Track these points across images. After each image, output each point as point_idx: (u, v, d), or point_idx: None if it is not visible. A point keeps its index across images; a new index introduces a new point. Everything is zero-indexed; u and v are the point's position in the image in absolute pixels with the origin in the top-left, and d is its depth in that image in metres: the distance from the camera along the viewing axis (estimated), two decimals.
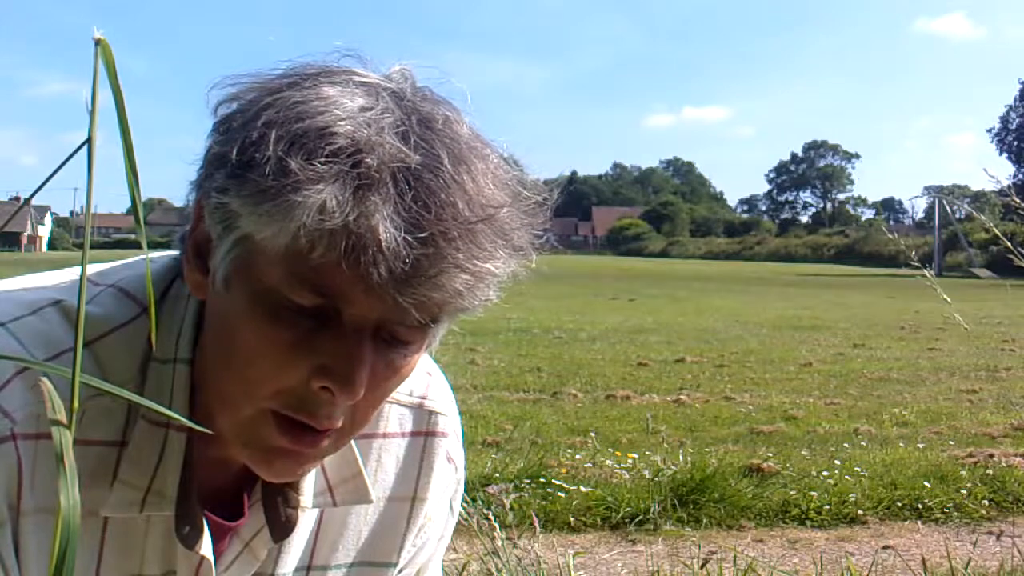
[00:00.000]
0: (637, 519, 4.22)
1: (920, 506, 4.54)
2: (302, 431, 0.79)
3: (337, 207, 0.69)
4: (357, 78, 0.77)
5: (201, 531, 0.86)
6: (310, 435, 0.79)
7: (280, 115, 0.73)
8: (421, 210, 0.71)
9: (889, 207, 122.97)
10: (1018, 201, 2.27)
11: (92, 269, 0.91)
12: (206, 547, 0.87)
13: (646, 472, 4.74)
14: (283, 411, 0.78)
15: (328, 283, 0.73)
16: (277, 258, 0.73)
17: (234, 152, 0.73)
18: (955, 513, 4.50)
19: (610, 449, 5.37)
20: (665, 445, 5.54)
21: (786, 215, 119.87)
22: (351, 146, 0.71)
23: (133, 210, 0.43)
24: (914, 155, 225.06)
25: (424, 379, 1.03)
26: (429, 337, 0.81)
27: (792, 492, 4.57)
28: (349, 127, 0.72)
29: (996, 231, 2.43)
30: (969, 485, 4.75)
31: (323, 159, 0.70)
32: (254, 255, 0.75)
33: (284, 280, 0.74)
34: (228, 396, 0.81)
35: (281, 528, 0.92)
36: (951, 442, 5.93)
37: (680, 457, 4.94)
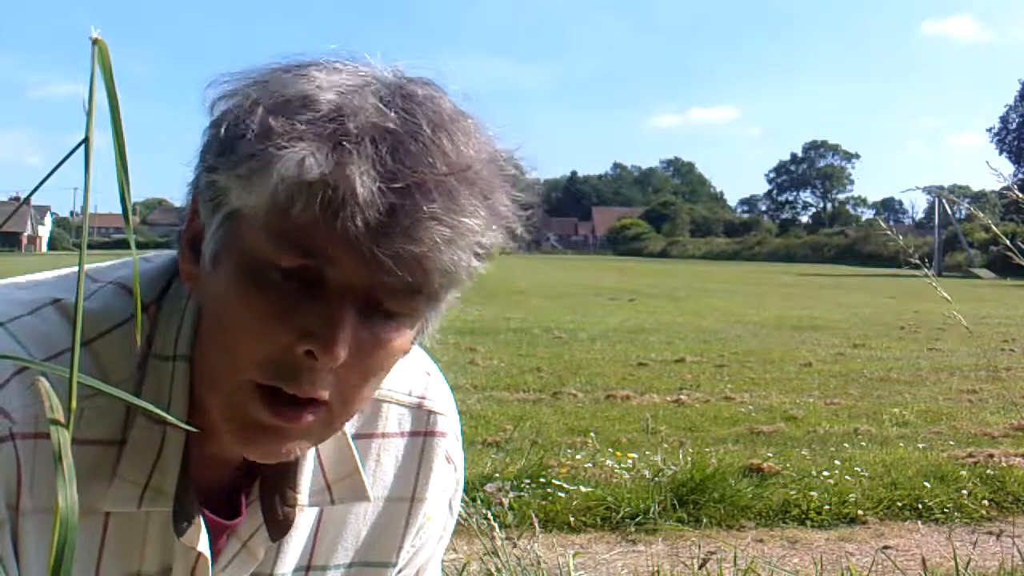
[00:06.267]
0: (637, 519, 4.22)
1: (920, 506, 4.54)
2: (285, 405, 0.79)
3: (315, 162, 0.71)
4: (347, 67, 0.79)
5: (198, 527, 0.86)
6: (293, 409, 0.79)
7: (267, 91, 0.76)
8: (397, 164, 0.73)
9: (889, 207, 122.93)
10: (1019, 195, 2.26)
11: (90, 268, 0.91)
12: (202, 543, 0.87)
13: (646, 472, 4.73)
14: (266, 381, 0.78)
15: (308, 241, 0.74)
16: (260, 222, 0.75)
17: (223, 131, 0.76)
18: (955, 513, 4.50)
19: (610, 449, 5.37)
20: (665, 445, 5.54)
21: (786, 215, 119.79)
22: (333, 111, 0.74)
23: (123, 207, 0.43)
24: (918, 156, 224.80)
25: (423, 379, 1.03)
26: (418, 312, 0.81)
27: (792, 492, 4.57)
28: (332, 96, 0.75)
29: (996, 231, 2.42)
30: (969, 485, 4.75)
31: (305, 121, 0.73)
32: (241, 227, 0.77)
33: (267, 241, 0.75)
34: (215, 373, 0.81)
35: (279, 527, 0.91)
36: (951, 442, 5.93)
37: (680, 457, 4.94)
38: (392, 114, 0.75)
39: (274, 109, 0.74)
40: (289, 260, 0.75)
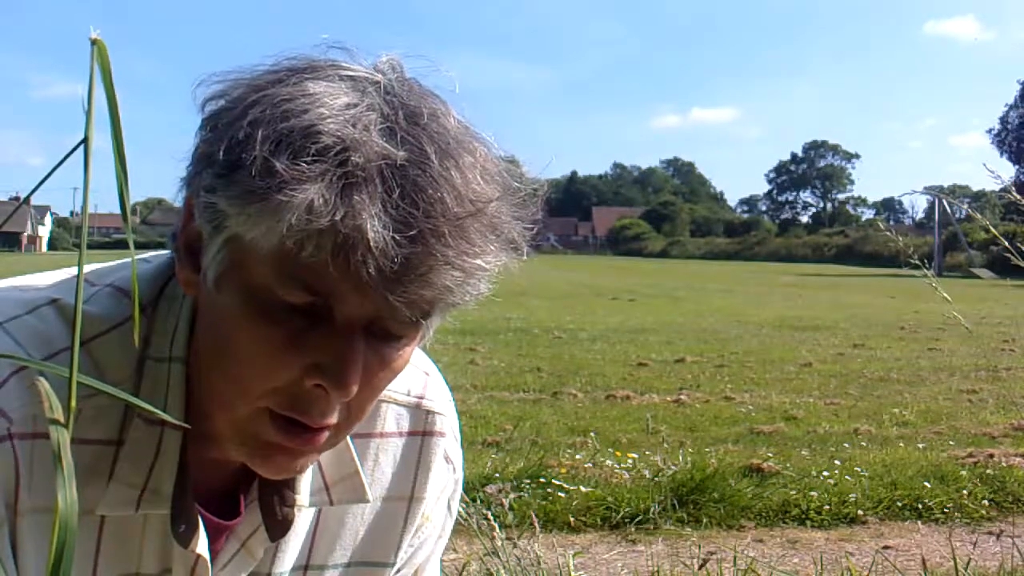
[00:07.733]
0: (637, 519, 4.22)
1: (920, 506, 4.54)
2: (298, 429, 0.79)
3: (324, 206, 0.69)
4: (344, 72, 0.76)
5: (197, 529, 0.86)
6: (306, 433, 0.79)
7: (266, 114, 0.72)
8: (409, 207, 0.71)
9: (889, 207, 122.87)
10: (1017, 197, 2.26)
11: (89, 269, 0.91)
12: (202, 545, 0.87)
13: (646, 472, 4.74)
14: (277, 410, 0.78)
15: (318, 281, 0.73)
16: (267, 258, 0.73)
17: (221, 152, 0.73)
18: (955, 513, 4.50)
19: (610, 449, 5.37)
20: (665, 445, 5.54)
21: (786, 215, 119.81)
22: (337, 144, 0.71)
23: (121, 208, 0.43)
24: (919, 156, 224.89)
25: (421, 378, 1.03)
26: (422, 331, 0.81)
27: (792, 492, 4.57)
28: (334, 125, 0.71)
29: (995, 232, 2.42)
30: (969, 485, 4.75)
31: (309, 159, 0.70)
32: (244, 255, 0.75)
33: (274, 279, 0.74)
34: (222, 395, 0.81)
35: (278, 527, 0.92)
36: (951, 442, 5.93)
37: (680, 457, 4.94)
38: (398, 147, 0.72)
39: (275, 141, 0.70)
40: (297, 297, 0.74)
